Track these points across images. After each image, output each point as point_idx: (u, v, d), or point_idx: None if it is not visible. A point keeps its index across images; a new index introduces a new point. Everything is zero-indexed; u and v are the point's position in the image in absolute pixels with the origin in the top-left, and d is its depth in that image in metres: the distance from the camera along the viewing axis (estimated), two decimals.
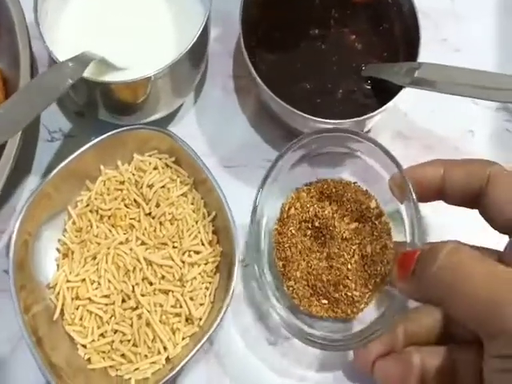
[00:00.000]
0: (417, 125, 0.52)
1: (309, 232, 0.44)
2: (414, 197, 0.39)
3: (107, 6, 0.48)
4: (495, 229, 0.38)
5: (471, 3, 0.57)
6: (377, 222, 0.44)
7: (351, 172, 0.46)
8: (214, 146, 0.50)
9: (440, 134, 0.52)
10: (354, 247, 0.43)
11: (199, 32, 0.43)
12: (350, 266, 0.43)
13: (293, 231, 0.44)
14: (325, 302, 0.43)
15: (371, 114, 0.45)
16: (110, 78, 0.45)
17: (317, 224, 0.44)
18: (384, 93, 0.46)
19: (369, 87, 0.48)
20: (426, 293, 0.33)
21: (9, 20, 0.47)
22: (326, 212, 0.44)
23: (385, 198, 0.44)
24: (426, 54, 0.46)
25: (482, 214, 0.38)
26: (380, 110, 0.45)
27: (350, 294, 0.42)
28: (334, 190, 0.45)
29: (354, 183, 0.46)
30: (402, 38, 0.50)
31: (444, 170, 0.39)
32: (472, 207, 0.39)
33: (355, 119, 0.44)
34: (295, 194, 0.46)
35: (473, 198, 0.38)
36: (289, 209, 0.45)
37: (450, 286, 0.31)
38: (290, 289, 0.43)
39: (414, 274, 0.33)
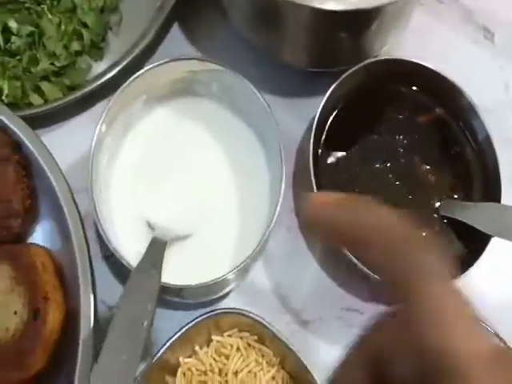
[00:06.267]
0: None
1: None
2: None
3: (162, 174, 0.43)
4: None
5: None
6: None
7: None
8: (285, 299, 0.46)
9: None
10: None
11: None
12: None
13: None
14: None
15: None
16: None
17: None
18: (469, 237, 0.43)
19: (451, 229, 0.45)
20: None
21: (55, 200, 0.42)
22: None
23: None
24: None
25: None
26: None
27: None
28: None
29: None
30: (476, 165, 0.46)
31: None
32: None
33: None
34: None
35: None
36: None
37: None
38: None
39: None
